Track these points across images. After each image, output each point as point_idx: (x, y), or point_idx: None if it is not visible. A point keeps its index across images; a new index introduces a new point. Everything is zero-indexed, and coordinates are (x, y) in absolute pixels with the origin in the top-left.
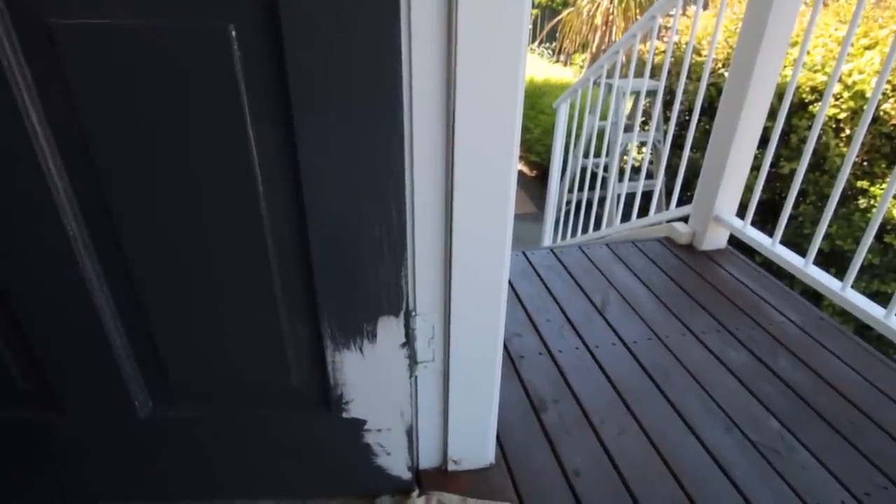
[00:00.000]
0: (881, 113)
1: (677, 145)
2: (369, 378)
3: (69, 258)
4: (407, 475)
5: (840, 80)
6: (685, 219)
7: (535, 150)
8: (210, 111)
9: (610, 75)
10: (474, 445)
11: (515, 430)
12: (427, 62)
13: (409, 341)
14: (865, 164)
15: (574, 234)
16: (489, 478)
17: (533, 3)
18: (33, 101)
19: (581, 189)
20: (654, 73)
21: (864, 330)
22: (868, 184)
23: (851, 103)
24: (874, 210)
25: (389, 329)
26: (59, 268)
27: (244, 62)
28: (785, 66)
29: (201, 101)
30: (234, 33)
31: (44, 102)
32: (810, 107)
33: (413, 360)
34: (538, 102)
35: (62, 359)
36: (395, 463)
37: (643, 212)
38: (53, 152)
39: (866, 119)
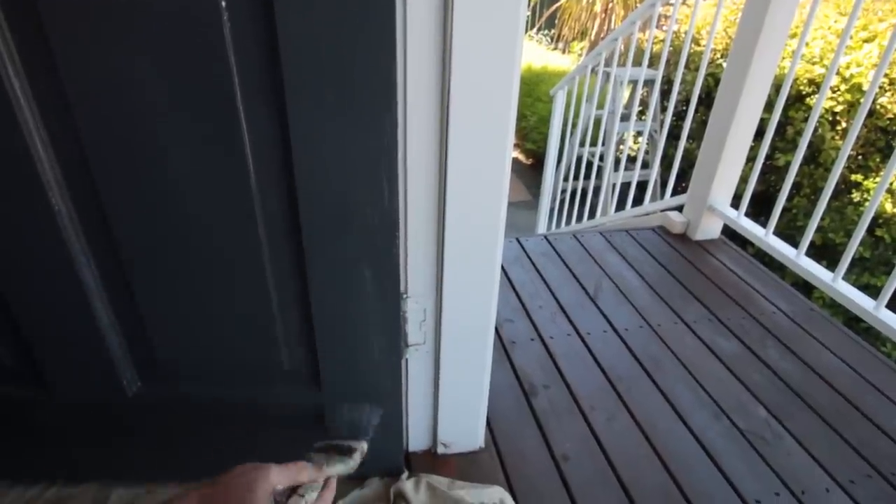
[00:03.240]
0: (877, 106)
1: (673, 135)
2: None
3: (54, 234)
4: (397, 457)
5: (837, 73)
6: (679, 208)
7: (532, 138)
8: (198, 85)
9: (608, 63)
10: (464, 429)
11: (506, 414)
12: (423, 40)
13: (401, 324)
14: (860, 157)
15: (569, 222)
16: (478, 461)
17: None
18: (17, 70)
19: (576, 178)
20: (653, 62)
21: (853, 322)
22: (862, 177)
23: (848, 96)
24: (867, 204)
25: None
26: (44, 244)
27: (234, 33)
28: (783, 58)
29: (188, 75)
30: (223, 4)
31: (27, 71)
32: (807, 99)
33: (404, 343)
34: (535, 90)
35: (48, 336)
36: (386, 445)
37: (638, 201)
38: (38, 124)
39: (862, 112)
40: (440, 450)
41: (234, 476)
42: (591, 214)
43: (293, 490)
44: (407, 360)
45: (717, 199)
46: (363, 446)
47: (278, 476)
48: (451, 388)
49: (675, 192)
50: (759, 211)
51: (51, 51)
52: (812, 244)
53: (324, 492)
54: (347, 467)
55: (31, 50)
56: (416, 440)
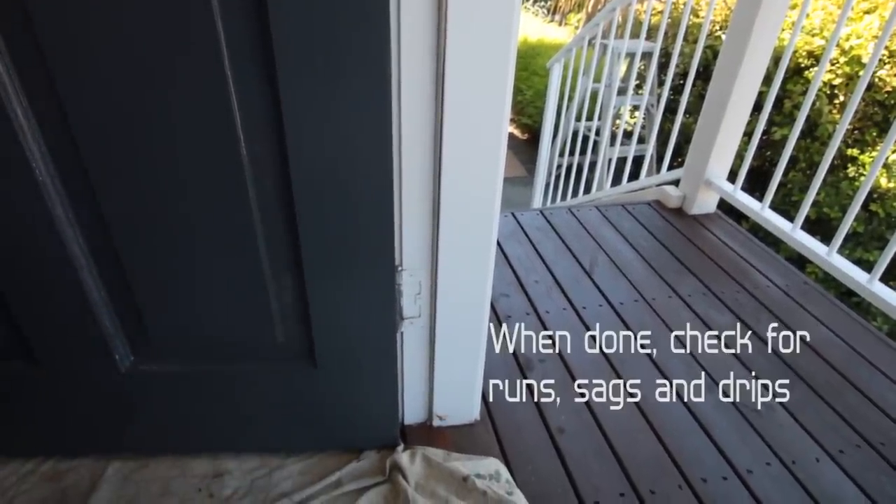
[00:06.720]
0: (876, 80)
1: (670, 109)
2: None
3: (40, 207)
4: (392, 430)
5: (837, 45)
6: (676, 183)
7: (527, 112)
8: (185, 50)
9: (605, 35)
10: (460, 402)
11: (501, 388)
12: (418, 8)
13: (396, 297)
14: (857, 131)
15: (564, 197)
16: (474, 434)
17: None
18: None
19: (572, 152)
20: (651, 34)
21: (845, 296)
22: (858, 152)
23: (847, 69)
24: (862, 179)
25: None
26: (30, 218)
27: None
28: (783, 29)
29: (176, 38)
30: None
31: (6, 37)
32: (806, 72)
33: (399, 316)
34: (531, 63)
35: (38, 311)
36: (381, 418)
37: (634, 176)
38: (20, 96)
39: (861, 86)
40: (436, 423)
41: None
42: (587, 189)
43: None
44: (402, 333)
45: (714, 173)
46: None
47: None
48: (446, 361)
49: (671, 167)
50: (754, 186)
51: (30, 16)
52: (807, 219)
53: None
54: None
55: (11, 16)
56: (412, 413)
